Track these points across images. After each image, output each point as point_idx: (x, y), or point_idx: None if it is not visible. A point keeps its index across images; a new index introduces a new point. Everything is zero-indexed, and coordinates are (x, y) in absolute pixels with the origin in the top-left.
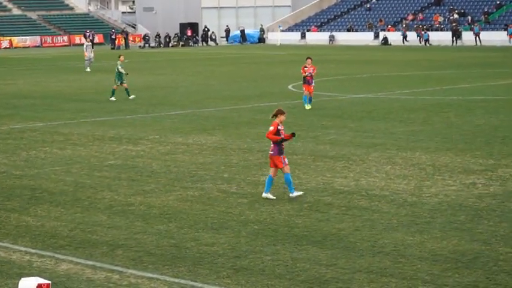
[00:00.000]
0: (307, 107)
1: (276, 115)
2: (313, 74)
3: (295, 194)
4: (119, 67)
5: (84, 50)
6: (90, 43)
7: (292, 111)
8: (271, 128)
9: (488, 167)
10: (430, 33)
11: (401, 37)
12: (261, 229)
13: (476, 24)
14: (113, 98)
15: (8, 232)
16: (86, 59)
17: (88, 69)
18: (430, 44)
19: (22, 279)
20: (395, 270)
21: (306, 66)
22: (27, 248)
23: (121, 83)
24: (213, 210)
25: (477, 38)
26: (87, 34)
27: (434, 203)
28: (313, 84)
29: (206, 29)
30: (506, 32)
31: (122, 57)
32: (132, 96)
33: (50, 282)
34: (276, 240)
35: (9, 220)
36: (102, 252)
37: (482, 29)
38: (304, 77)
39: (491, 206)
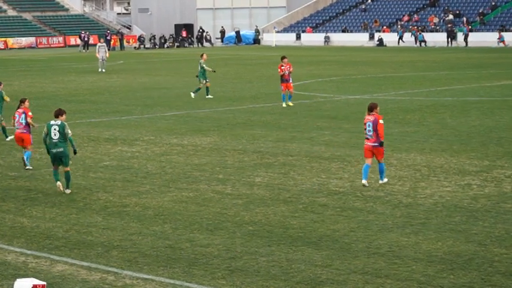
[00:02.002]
0: (285, 104)
1: (375, 107)
2: (290, 71)
3: (385, 180)
4: (204, 65)
5: (97, 51)
6: (105, 43)
7: (287, 113)
8: (382, 122)
9: (483, 168)
10: (425, 34)
11: (397, 38)
12: (256, 230)
13: (465, 25)
14: (194, 95)
15: (3, 233)
16: (99, 59)
17: (101, 70)
18: (426, 45)
19: (17, 280)
20: (391, 271)
21: (282, 65)
22: (23, 249)
23: (205, 81)
24: (208, 211)
25: (466, 40)
26: (82, 35)
27: (430, 204)
28: (291, 81)
29: (201, 30)
30: (497, 34)
31: (205, 55)
32: (209, 96)
33: (45, 283)
34: (271, 241)
35: (5, 221)
36: (97, 253)
37: (475, 30)
38: (282, 76)
39: (486, 207)
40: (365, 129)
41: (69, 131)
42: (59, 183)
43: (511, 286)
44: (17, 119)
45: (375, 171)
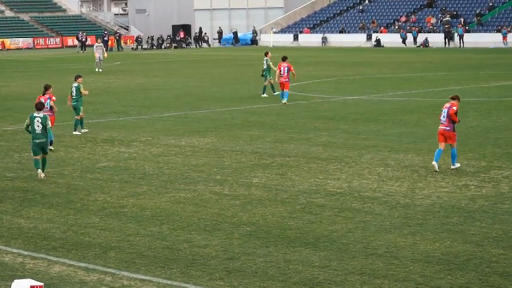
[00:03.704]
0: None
1: (455, 98)
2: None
3: (457, 165)
4: (270, 63)
5: (94, 51)
6: (102, 43)
7: (284, 113)
8: (455, 108)
9: (480, 169)
10: (422, 34)
11: (400, 39)
12: (253, 231)
13: (459, 26)
14: (265, 95)
15: (1, 234)
16: (95, 59)
17: (98, 70)
18: (424, 46)
19: (15, 281)
20: (388, 272)
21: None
22: (20, 250)
23: (270, 78)
24: (205, 212)
25: (461, 40)
26: (80, 36)
27: (427, 205)
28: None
29: (200, 30)
30: (500, 33)
31: (269, 53)
32: (276, 93)
33: (42, 284)
34: (269, 242)
35: (2, 222)
36: (94, 254)
37: (472, 31)
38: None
39: (483, 207)
40: (441, 114)
41: (50, 123)
42: (40, 171)
43: (508, 287)
44: None
45: (371, 172)
